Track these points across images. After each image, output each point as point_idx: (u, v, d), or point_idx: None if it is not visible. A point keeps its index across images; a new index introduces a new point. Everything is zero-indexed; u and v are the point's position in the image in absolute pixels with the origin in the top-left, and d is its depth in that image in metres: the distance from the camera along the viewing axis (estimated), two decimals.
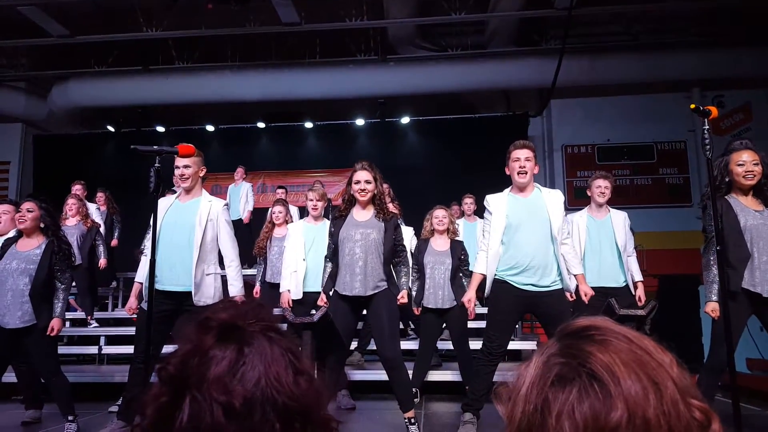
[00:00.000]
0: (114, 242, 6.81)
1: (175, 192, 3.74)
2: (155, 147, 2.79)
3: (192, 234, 3.34)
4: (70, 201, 5.98)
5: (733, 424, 2.46)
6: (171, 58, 9.14)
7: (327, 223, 4.35)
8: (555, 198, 3.37)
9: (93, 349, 5.80)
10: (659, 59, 8.43)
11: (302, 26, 8.04)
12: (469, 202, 6.41)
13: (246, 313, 0.66)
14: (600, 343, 0.59)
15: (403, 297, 3.36)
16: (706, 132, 2.66)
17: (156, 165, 2.75)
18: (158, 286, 3.14)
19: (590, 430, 0.53)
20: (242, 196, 7.84)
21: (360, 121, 9.77)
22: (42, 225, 3.60)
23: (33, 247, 3.51)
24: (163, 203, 3.45)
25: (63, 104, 9.50)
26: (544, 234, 3.29)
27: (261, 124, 9.90)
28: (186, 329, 0.65)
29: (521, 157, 3.35)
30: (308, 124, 9.87)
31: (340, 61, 9.02)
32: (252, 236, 6.65)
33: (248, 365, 0.61)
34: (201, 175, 3.49)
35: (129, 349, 5.62)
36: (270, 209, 5.48)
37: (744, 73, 8.45)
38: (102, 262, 5.99)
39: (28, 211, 3.54)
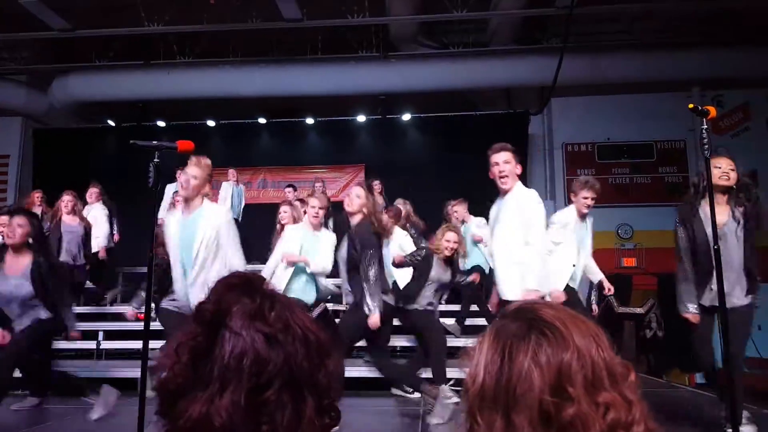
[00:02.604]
0: (116, 236, 6.79)
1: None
2: (154, 142, 2.78)
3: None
4: (66, 198, 5.90)
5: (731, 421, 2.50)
6: (172, 53, 9.12)
7: (325, 232, 4.30)
8: (516, 200, 3.31)
9: (92, 344, 5.80)
10: (660, 58, 8.44)
11: (304, 22, 8.03)
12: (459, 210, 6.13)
13: (259, 278, 0.75)
14: (543, 306, 0.71)
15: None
16: (704, 131, 2.68)
17: (155, 160, 2.73)
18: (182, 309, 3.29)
19: (552, 368, 0.64)
20: (236, 196, 8.08)
21: (361, 118, 9.77)
22: (29, 241, 3.47)
23: (20, 272, 3.41)
24: (172, 220, 3.46)
25: (63, 98, 9.48)
26: (500, 238, 3.30)
27: (262, 120, 9.90)
28: (211, 288, 0.72)
29: (500, 161, 3.34)
30: (309, 120, 9.87)
31: (342, 58, 9.01)
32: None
33: (276, 308, 0.69)
34: (204, 192, 3.42)
35: (127, 344, 5.70)
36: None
37: (743, 73, 8.46)
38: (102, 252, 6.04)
39: (19, 226, 3.40)
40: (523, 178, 10.10)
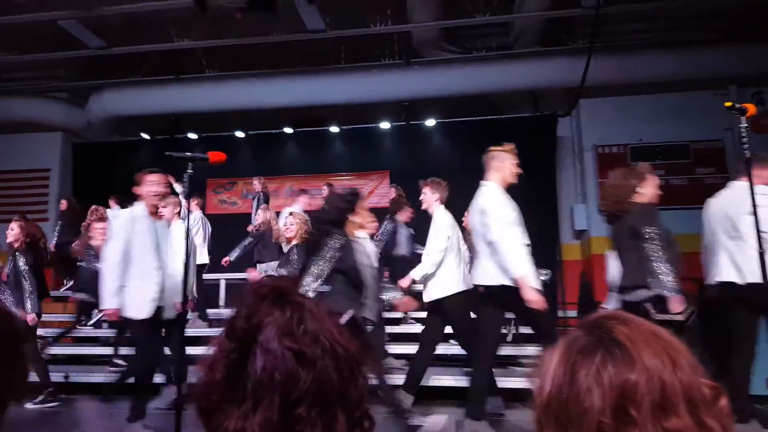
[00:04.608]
0: None
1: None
2: (188, 153, 2.87)
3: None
4: (99, 225, 5.96)
5: None
6: (201, 66, 9.35)
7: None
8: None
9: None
10: (692, 56, 8.18)
11: (327, 33, 8.12)
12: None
13: (289, 285, 0.74)
14: (621, 321, 0.68)
15: None
16: (743, 130, 2.59)
17: (189, 171, 2.82)
18: None
19: (615, 389, 0.61)
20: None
21: (385, 125, 9.80)
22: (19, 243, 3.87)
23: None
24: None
25: (100, 113, 9.83)
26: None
27: (288, 130, 10.03)
28: (238, 296, 0.72)
29: None
30: (334, 129, 9.96)
31: (365, 66, 9.07)
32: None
33: (306, 321, 0.69)
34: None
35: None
36: None
37: None
38: None
39: (11, 230, 3.82)
40: (553, 181, 9.98)
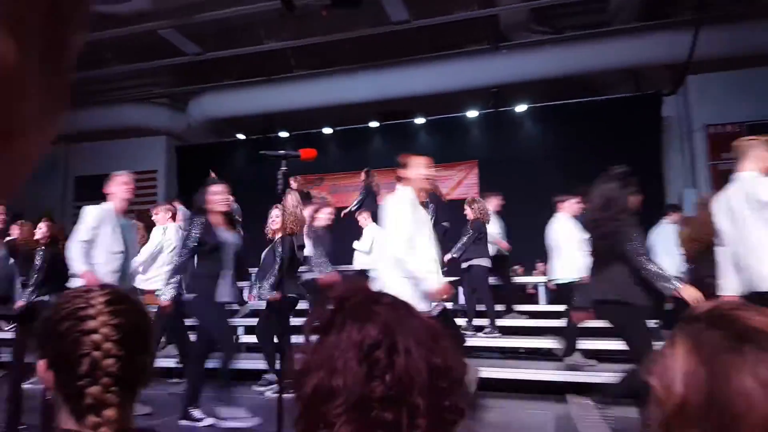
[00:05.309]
0: None
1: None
2: (281, 152, 2.92)
3: None
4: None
5: None
6: (290, 66, 9.63)
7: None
8: None
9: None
10: None
11: (411, 23, 8.03)
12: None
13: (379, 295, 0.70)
14: (745, 311, 0.63)
15: None
16: None
17: (283, 168, 2.87)
18: None
19: None
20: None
21: (472, 113, 9.57)
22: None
23: None
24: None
25: (199, 116, 10.45)
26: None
27: (374, 124, 10.08)
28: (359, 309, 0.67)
29: None
30: (419, 120, 9.88)
31: (451, 54, 8.89)
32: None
33: (401, 325, 0.65)
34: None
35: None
36: None
37: None
38: None
39: (39, 228, 4.35)
40: (658, 166, 9.28)
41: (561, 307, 5.47)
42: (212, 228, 3.82)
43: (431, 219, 6.86)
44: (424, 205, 5.90)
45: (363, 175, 7.81)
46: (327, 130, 10.28)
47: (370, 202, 7.38)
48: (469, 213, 5.94)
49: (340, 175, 9.77)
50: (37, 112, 0.28)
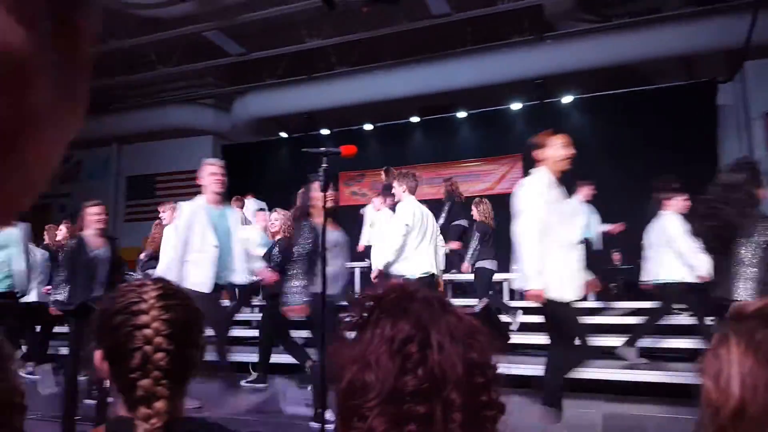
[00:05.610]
0: None
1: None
2: (322, 149, 2.95)
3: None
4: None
5: None
6: (331, 64, 9.70)
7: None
8: None
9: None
10: None
11: (452, 16, 7.93)
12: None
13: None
14: None
15: None
16: None
17: (324, 165, 2.89)
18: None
19: None
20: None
21: (516, 105, 9.39)
22: None
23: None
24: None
25: (243, 116, 10.67)
26: None
27: (415, 119, 10.04)
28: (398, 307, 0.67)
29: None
30: (461, 114, 9.77)
31: (493, 46, 8.73)
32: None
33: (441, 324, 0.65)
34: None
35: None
36: None
37: None
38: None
39: (59, 230, 4.70)
40: (714, 156, 8.86)
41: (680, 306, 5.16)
42: (318, 230, 3.54)
43: (446, 217, 6.78)
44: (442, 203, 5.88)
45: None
46: (368, 127, 10.30)
47: (458, 211, 6.87)
48: (476, 214, 5.90)
49: (381, 171, 9.76)
50: (49, 103, 0.25)
